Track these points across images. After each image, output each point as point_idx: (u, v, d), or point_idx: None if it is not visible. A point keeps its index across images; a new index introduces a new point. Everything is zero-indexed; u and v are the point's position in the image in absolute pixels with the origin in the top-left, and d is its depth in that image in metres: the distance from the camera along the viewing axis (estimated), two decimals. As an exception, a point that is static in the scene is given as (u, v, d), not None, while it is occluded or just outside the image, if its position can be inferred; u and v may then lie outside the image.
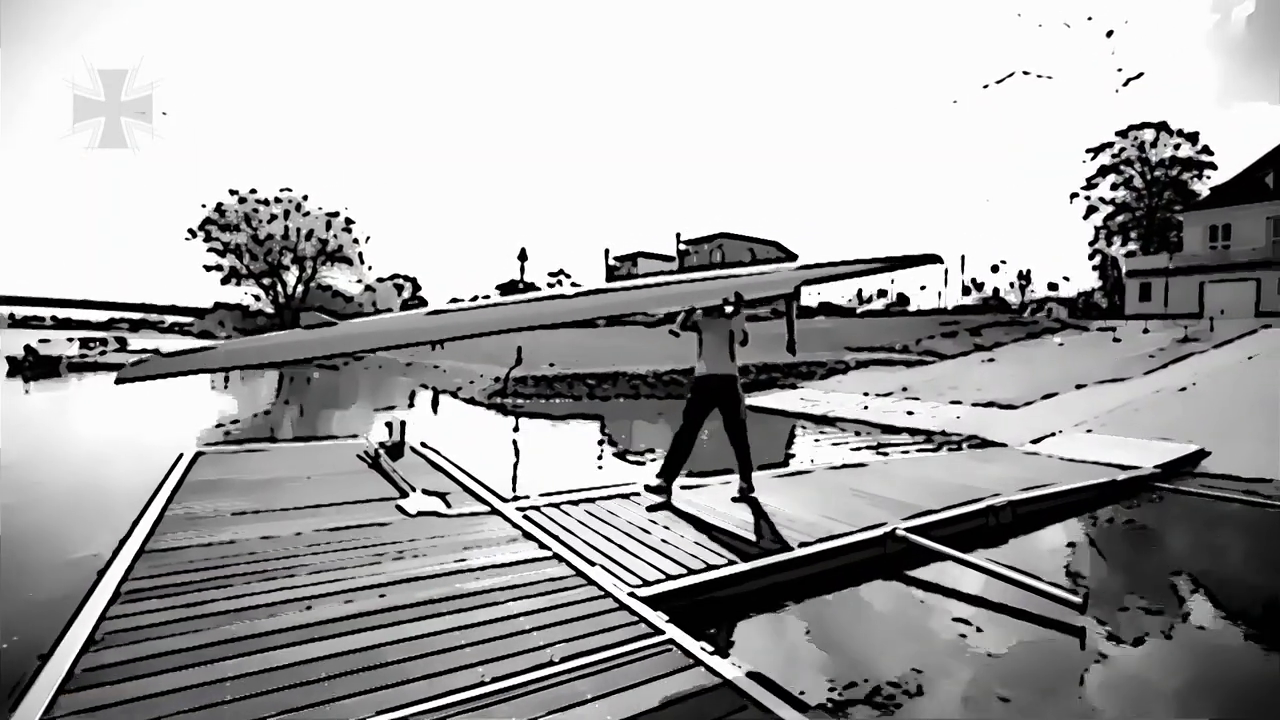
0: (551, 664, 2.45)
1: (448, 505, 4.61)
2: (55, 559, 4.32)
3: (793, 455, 9.39)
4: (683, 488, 5.49)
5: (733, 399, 5.07)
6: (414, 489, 4.92)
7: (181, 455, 6.13)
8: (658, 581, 3.34)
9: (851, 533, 4.31)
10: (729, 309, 4.72)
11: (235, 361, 2.90)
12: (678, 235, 56.10)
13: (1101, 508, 6.11)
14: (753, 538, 4.15)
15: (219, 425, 11.29)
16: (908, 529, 4.44)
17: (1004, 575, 3.78)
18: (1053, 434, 10.23)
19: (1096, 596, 3.72)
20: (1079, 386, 14.06)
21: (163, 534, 3.81)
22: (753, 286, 4.32)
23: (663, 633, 2.74)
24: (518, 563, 3.51)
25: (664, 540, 4.05)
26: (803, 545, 4.01)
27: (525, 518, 4.39)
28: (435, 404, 15.51)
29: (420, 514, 4.41)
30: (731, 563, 3.66)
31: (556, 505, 4.82)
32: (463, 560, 3.51)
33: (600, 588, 3.18)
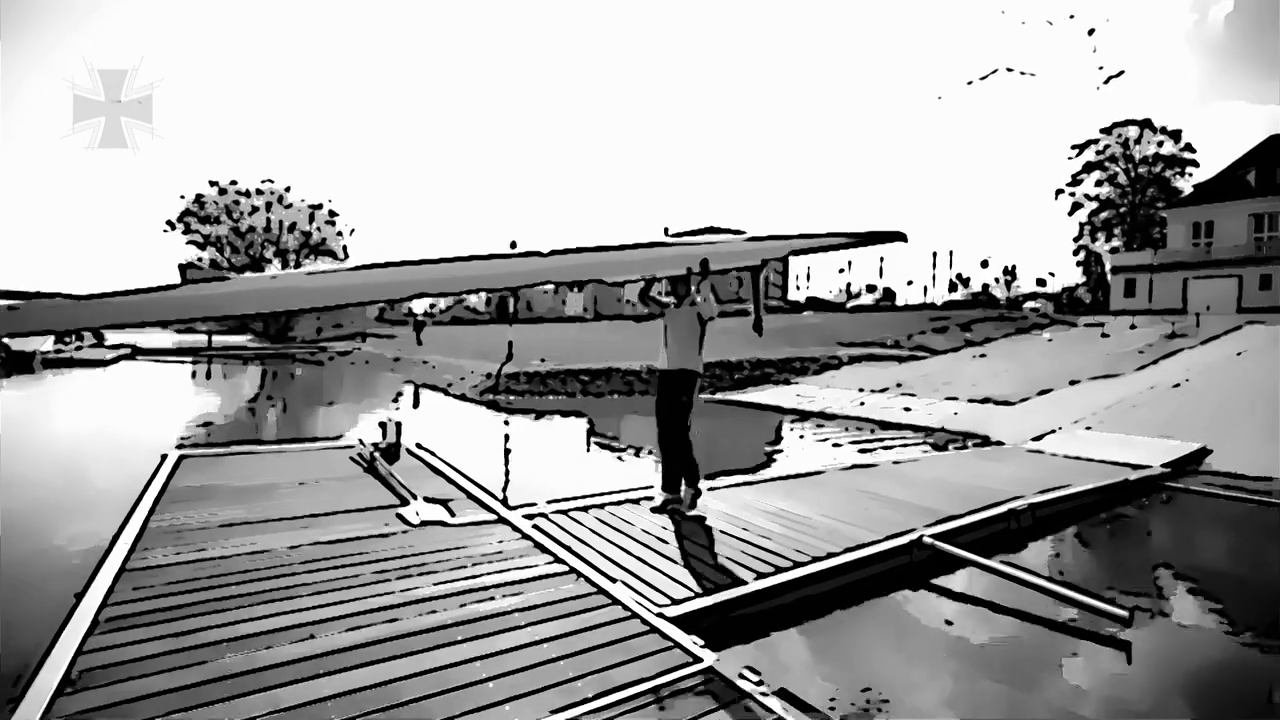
0: (585, 701, 2.23)
1: (451, 514, 4.36)
2: (28, 578, 4.01)
3: (786, 453, 9.23)
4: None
5: (687, 398, 4.50)
6: (414, 496, 4.66)
7: (164, 458, 5.81)
8: (686, 600, 3.13)
9: (878, 541, 4.13)
10: (694, 292, 4.39)
11: (82, 322, 2.45)
12: (665, 229, 55.89)
13: (1116, 508, 6.01)
14: (776, 547, 3.95)
15: (202, 424, 10.90)
16: (933, 535, 4.27)
17: (1042, 586, 3.62)
18: (1052, 431, 10.18)
19: (1138, 605, 3.55)
20: (1073, 382, 14.06)
21: (146, 549, 3.52)
22: (718, 256, 4.09)
23: (700, 660, 2.53)
24: (533, 579, 3.28)
25: (683, 551, 3.84)
26: (830, 555, 3.83)
27: (535, 527, 4.16)
28: (416, 399, 15.37)
29: (423, 523, 4.16)
30: (760, 576, 3.46)
31: (565, 512, 4.59)
32: (474, 577, 3.27)
33: (625, 607, 2.96)
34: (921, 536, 4.21)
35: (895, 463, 7.05)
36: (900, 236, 4.15)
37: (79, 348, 25.45)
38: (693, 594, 3.20)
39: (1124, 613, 3.24)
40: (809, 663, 3.08)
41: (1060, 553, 4.94)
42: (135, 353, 28.52)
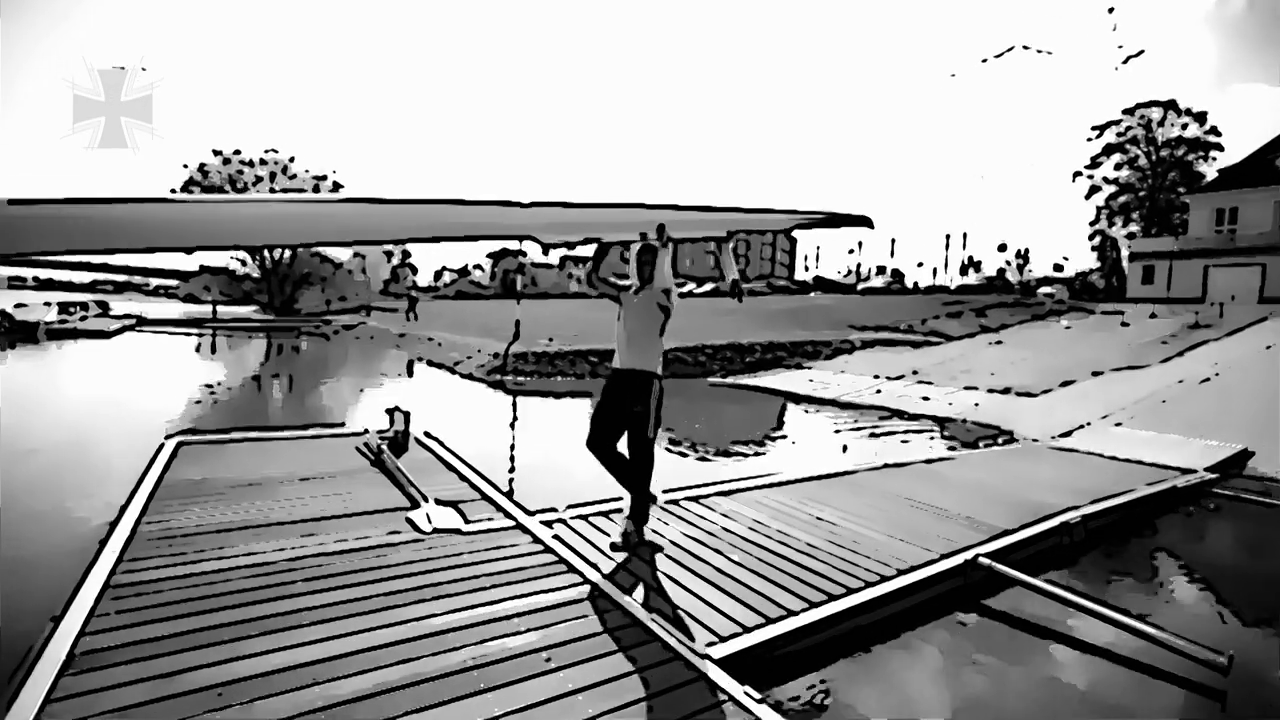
0: (633, 776, 1.91)
1: (465, 520, 4.04)
2: (12, 589, 3.70)
3: (806, 445, 8.89)
4: (719, 495, 4.96)
5: (644, 404, 3.69)
6: (425, 497, 4.34)
7: (161, 447, 5.51)
8: (732, 636, 2.80)
9: (932, 561, 3.79)
10: (656, 277, 3.82)
11: None
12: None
13: (1166, 516, 5.66)
14: (822, 568, 3.61)
15: (204, 400, 10.60)
16: (988, 555, 3.93)
17: (1117, 620, 3.28)
18: (1081, 426, 9.82)
19: (1235, 645, 3.00)
20: (1096, 374, 13.66)
21: (134, 560, 3.21)
22: (676, 224, 3.66)
23: (756, 717, 2.20)
24: (560, 605, 2.96)
25: (720, 571, 3.51)
26: (883, 579, 3.49)
27: (555, 537, 3.83)
28: (410, 369, 15.48)
29: (435, 531, 3.84)
30: (811, 605, 3.13)
31: (586, 518, 4.27)
32: (494, 603, 2.95)
33: (666, 646, 2.64)
34: (977, 556, 3.87)
35: (927, 462, 6.70)
36: (866, 221, 3.80)
37: (84, 318, 25.17)
38: (739, 629, 2.86)
39: (1222, 659, 2.88)
40: (868, 709, 2.76)
41: (1122, 574, 4.53)
42: (140, 323, 28.26)
